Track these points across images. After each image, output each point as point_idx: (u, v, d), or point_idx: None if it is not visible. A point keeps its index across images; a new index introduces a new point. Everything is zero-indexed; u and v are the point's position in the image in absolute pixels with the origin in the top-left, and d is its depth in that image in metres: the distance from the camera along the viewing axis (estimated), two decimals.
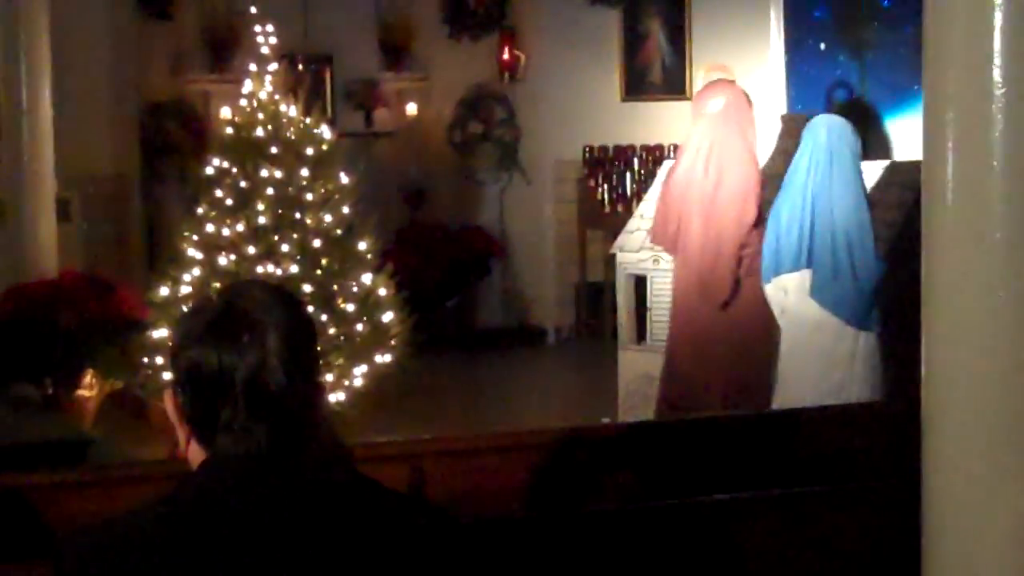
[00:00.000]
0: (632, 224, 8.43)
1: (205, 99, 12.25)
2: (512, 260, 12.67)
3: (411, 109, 12.83)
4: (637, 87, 12.65)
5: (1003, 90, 2.12)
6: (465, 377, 10.92)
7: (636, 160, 12.23)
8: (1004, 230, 2.11)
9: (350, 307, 7.74)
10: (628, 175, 12.15)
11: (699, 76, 8.65)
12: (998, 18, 2.09)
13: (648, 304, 8.14)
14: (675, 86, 12.55)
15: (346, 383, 7.72)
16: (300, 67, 12.13)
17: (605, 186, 12.21)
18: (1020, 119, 2.13)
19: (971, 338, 2.16)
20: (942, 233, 2.20)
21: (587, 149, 12.41)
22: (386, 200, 12.46)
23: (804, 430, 4.20)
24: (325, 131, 8.25)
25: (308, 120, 8.18)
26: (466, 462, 3.79)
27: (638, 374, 8.21)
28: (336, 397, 7.70)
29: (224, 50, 12.18)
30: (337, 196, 8.12)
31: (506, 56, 12.58)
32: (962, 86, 2.16)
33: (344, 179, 8.22)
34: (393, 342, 7.90)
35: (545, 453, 3.90)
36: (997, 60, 2.12)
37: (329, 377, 7.65)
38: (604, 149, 12.40)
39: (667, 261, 7.99)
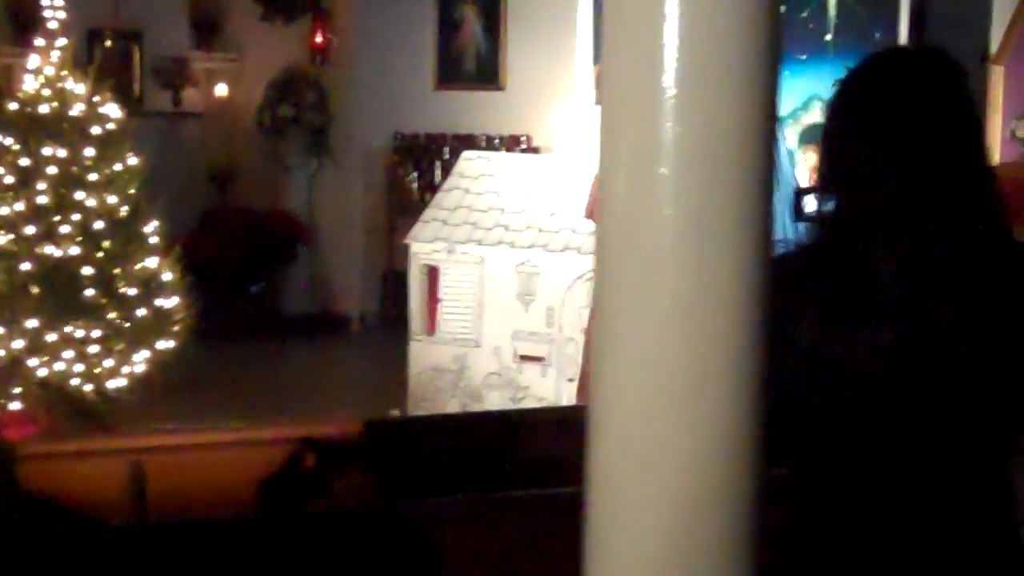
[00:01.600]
0: (427, 214, 8.37)
1: (8, 74, 11.90)
2: (319, 246, 12.51)
3: (221, 90, 12.62)
4: (451, 75, 12.57)
5: (674, 93, 2.07)
6: (263, 364, 10.74)
7: (447, 149, 12.15)
8: (670, 236, 2.06)
9: (132, 291, 7.54)
10: (439, 164, 12.08)
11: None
12: (670, 18, 2.04)
13: (440, 295, 8.09)
14: (489, 76, 12.50)
15: (126, 369, 7.53)
16: (108, 43, 11.90)
17: (415, 174, 12.12)
18: (689, 124, 2.08)
19: (636, 345, 2.11)
20: (612, 239, 2.14)
21: (398, 136, 12.30)
22: (193, 182, 12.26)
23: (534, 431, 4.16)
24: (113, 110, 8.02)
25: (96, 98, 7.95)
26: (189, 458, 3.68)
27: (428, 366, 8.16)
28: (116, 383, 7.51)
29: (28, 23, 11.83)
30: (125, 177, 7.89)
31: (319, 39, 12.41)
32: (635, 89, 2.11)
33: (132, 160, 7.99)
34: (177, 328, 7.72)
35: (276, 451, 3.81)
36: (668, 63, 2.07)
37: (109, 363, 7.47)
38: (415, 137, 12.31)
39: (461, 252, 7.95)
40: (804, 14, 10.06)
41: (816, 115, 10.03)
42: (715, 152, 2.06)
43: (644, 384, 2.05)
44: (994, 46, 12.60)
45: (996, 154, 12.63)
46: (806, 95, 10.07)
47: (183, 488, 3.60)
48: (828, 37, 10.02)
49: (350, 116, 12.40)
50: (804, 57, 10.08)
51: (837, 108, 2.39)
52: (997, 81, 12.57)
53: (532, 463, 3.88)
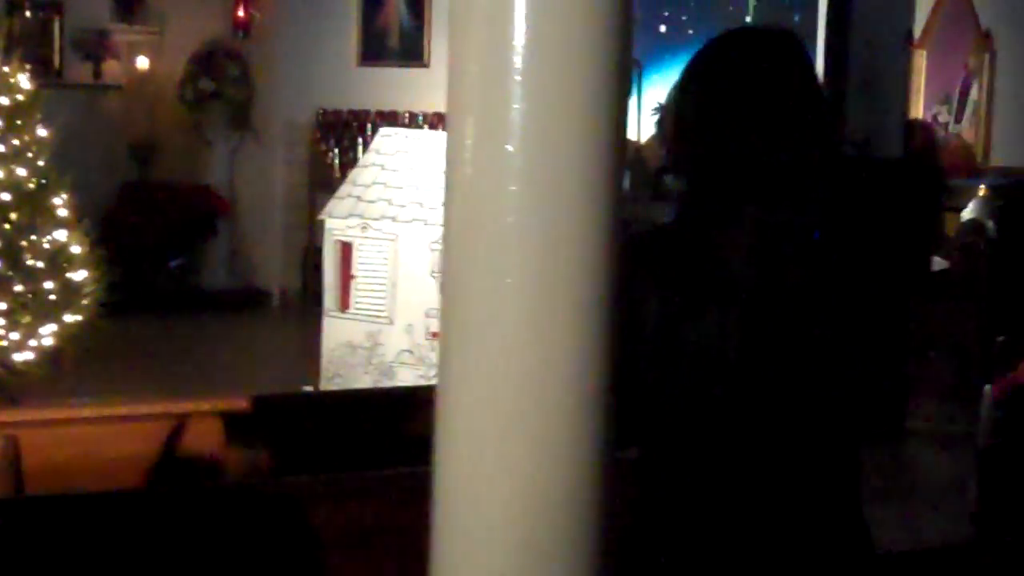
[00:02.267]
0: (343, 190, 8.32)
1: None
2: (240, 221, 12.44)
3: (142, 63, 12.51)
4: (375, 52, 12.51)
5: (521, 69, 2.06)
6: (180, 339, 10.67)
7: (370, 126, 12.10)
8: (517, 215, 2.05)
9: (40, 264, 7.46)
10: (361, 140, 12.02)
11: None
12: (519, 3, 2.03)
13: (353, 272, 8.06)
14: (413, 53, 12.45)
15: (34, 343, 7.45)
16: (28, 13, 11.77)
17: (337, 150, 12.07)
18: (537, 101, 2.07)
19: (482, 324, 2.11)
20: (459, 215, 2.14)
21: (321, 112, 12.24)
22: (113, 155, 12.16)
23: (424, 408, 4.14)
24: (23, 80, 7.92)
25: (6, 68, 7.85)
26: (65, 434, 3.65)
27: (341, 342, 8.13)
28: (23, 356, 7.43)
29: None
30: (35, 149, 7.79)
31: (241, 13, 12.32)
32: (483, 66, 2.10)
33: (43, 132, 7.89)
34: (86, 301, 7.64)
35: (156, 427, 3.79)
36: (518, 41, 2.06)
37: (15, 336, 7.39)
38: (338, 113, 12.25)
39: (375, 229, 7.92)
40: None
41: None
42: (563, 130, 2.06)
43: (490, 362, 2.05)
44: (918, 30, 12.71)
45: (919, 139, 12.72)
46: None
47: (59, 463, 3.57)
48: (748, 19, 10.06)
49: (273, 91, 12.33)
50: None
51: (684, 88, 2.39)
52: (920, 65, 12.67)
53: (420, 441, 3.86)
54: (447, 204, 2.12)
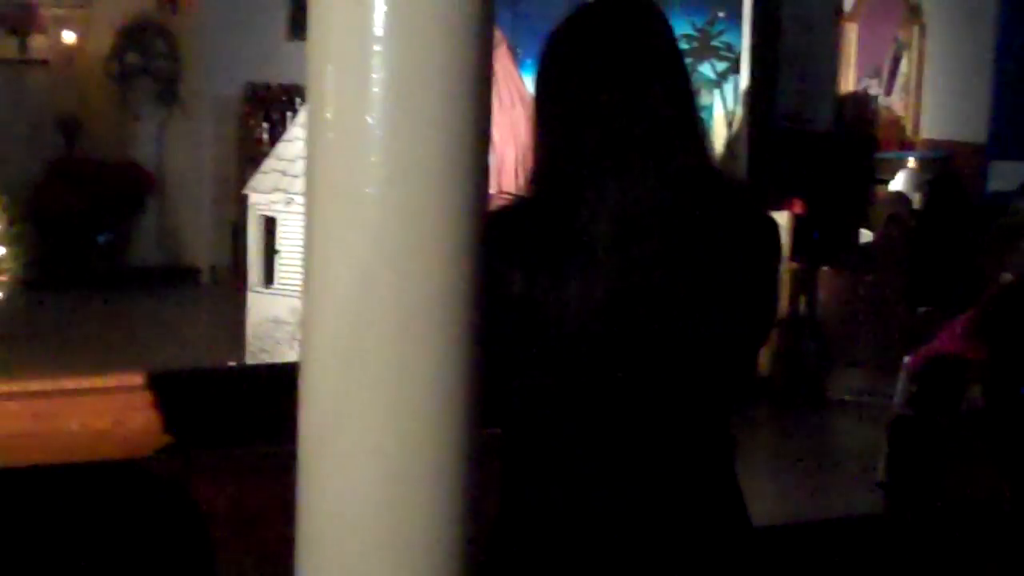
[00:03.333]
0: (267, 164, 8.27)
1: None
2: (168, 197, 12.34)
3: (69, 37, 12.36)
4: (304, 25, 12.35)
5: (382, 38, 2.04)
6: (107, 315, 10.58)
7: (299, 100, 12.00)
8: (377, 184, 2.04)
9: None
10: (290, 115, 11.93)
11: None
12: None
13: (277, 247, 8.02)
14: None
15: None
16: None
17: (266, 124, 11.99)
18: (398, 71, 2.05)
19: (343, 296, 2.09)
20: (320, 185, 2.12)
21: (250, 86, 12.14)
22: (40, 131, 12.03)
23: None
24: None
25: None
26: None
27: (266, 317, 8.10)
28: None
29: None
30: None
31: None
32: (343, 37, 2.08)
33: None
34: (4, 278, 7.57)
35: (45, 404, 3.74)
36: (379, 11, 2.04)
37: None
38: (268, 87, 12.16)
39: (299, 204, 7.86)
40: None
41: None
42: (425, 100, 2.04)
43: (351, 333, 2.03)
44: (848, 3, 12.74)
45: (849, 111, 12.77)
46: None
47: None
48: None
49: (201, 65, 12.22)
50: None
51: (543, 58, 2.38)
52: (851, 38, 12.71)
53: None
54: (308, 173, 2.10)
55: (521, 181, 6.71)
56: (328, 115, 2.05)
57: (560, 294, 2.21)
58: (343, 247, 2.03)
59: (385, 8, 1.98)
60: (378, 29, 1.98)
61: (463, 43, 2.04)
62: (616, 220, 2.21)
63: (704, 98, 10.00)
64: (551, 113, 2.32)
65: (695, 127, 2.32)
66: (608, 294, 2.19)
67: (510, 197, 2.35)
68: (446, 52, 2.01)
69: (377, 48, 1.99)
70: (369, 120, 2.00)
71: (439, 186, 2.03)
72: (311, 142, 2.11)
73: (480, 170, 2.07)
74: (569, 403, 2.25)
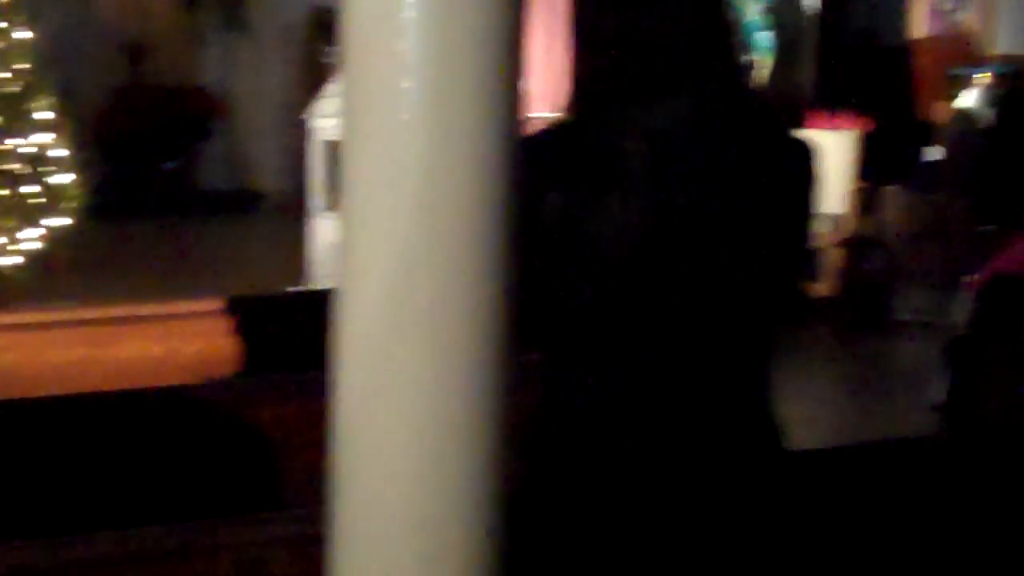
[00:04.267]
0: (328, 89, 8.27)
1: None
2: (234, 123, 12.37)
3: None
4: None
5: None
6: (174, 241, 10.63)
7: None
8: (412, 109, 2.03)
9: (22, 167, 7.44)
10: None
11: None
12: None
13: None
14: None
15: (19, 247, 7.45)
16: None
17: (330, 50, 11.97)
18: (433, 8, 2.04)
19: (383, 218, 2.09)
20: (357, 115, 2.12)
21: (315, 11, 12.12)
22: (105, 56, 12.07)
23: None
24: None
25: None
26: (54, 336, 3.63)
27: (330, 242, 8.12)
28: (9, 260, 7.44)
29: None
30: (17, 51, 7.73)
31: None
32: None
33: (25, 33, 7.83)
34: (73, 205, 7.63)
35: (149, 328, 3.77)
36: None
37: (2, 240, 7.40)
38: (331, 12, 12.07)
39: None
40: None
41: None
42: (456, 23, 2.03)
43: (390, 266, 2.03)
44: None
45: (922, 25, 12.60)
46: None
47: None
48: None
49: None
50: None
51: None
52: None
53: None
54: (346, 107, 2.10)
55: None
56: (363, 42, 2.04)
57: (597, 214, 2.20)
58: (378, 173, 2.03)
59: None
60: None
61: None
62: (649, 141, 2.19)
63: (778, 16, 9.89)
64: (585, 37, 2.30)
65: (730, 52, 2.30)
66: (643, 214, 2.18)
67: (547, 120, 2.33)
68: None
69: None
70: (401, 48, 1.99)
71: (474, 113, 2.02)
72: (347, 72, 2.11)
73: (513, 96, 2.06)
74: (606, 320, 2.25)
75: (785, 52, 9.98)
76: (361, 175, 2.06)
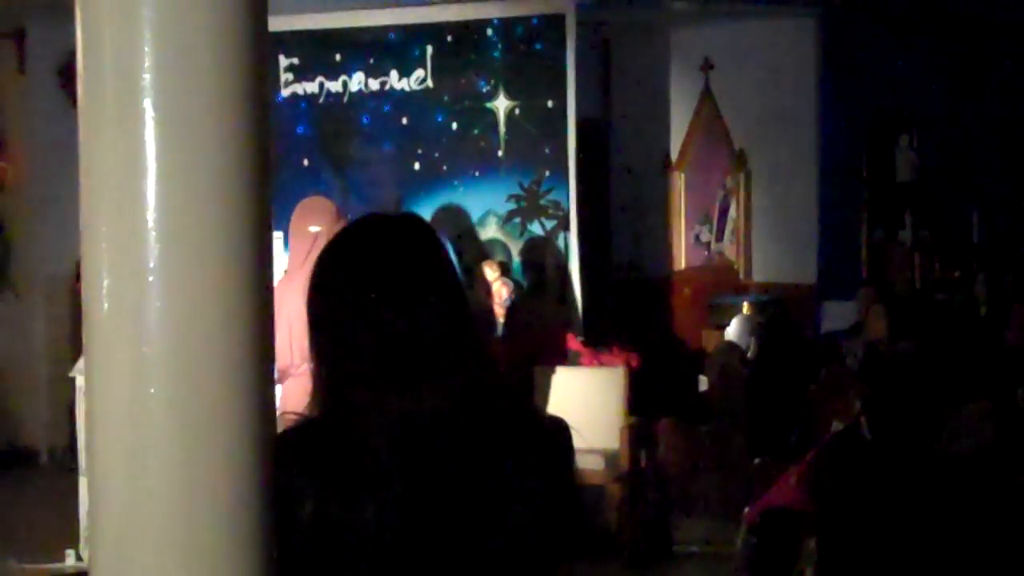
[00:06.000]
0: None
1: None
2: (2, 379, 12.07)
3: None
4: None
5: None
6: None
7: None
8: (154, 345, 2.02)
9: None
10: None
11: None
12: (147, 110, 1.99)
13: None
14: None
15: None
16: None
17: None
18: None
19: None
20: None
21: (80, 264, 11.94)
22: None
23: None
24: None
25: None
26: None
27: None
28: None
29: None
30: None
31: None
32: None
33: None
34: None
35: None
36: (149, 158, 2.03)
37: None
38: None
39: None
40: (476, 131, 10.19)
41: (492, 230, 10.17)
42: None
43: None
44: (674, 153, 13.01)
45: (682, 258, 12.97)
46: (481, 211, 10.19)
47: None
48: (500, 153, 10.16)
49: (30, 244, 12.04)
50: (477, 174, 10.21)
51: (315, 278, 2.37)
52: (678, 187, 12.96)
53: None
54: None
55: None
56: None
57: (353, 516, 2.18)
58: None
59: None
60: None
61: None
62: (398, 436, 2.19)
63: (535, 254, 10.10)
64: (327, 329, 2.31)
65: (474, 341, 2.33)
66: (398, 507, 2.17)
67: (296, 416, 2.31)
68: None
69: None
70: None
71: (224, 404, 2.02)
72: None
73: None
74: None
75: (546, 290, 10.17)
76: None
